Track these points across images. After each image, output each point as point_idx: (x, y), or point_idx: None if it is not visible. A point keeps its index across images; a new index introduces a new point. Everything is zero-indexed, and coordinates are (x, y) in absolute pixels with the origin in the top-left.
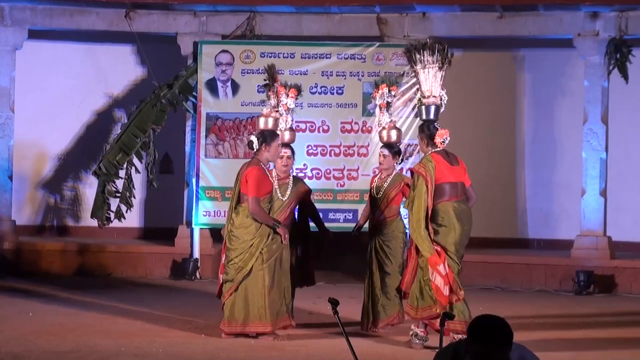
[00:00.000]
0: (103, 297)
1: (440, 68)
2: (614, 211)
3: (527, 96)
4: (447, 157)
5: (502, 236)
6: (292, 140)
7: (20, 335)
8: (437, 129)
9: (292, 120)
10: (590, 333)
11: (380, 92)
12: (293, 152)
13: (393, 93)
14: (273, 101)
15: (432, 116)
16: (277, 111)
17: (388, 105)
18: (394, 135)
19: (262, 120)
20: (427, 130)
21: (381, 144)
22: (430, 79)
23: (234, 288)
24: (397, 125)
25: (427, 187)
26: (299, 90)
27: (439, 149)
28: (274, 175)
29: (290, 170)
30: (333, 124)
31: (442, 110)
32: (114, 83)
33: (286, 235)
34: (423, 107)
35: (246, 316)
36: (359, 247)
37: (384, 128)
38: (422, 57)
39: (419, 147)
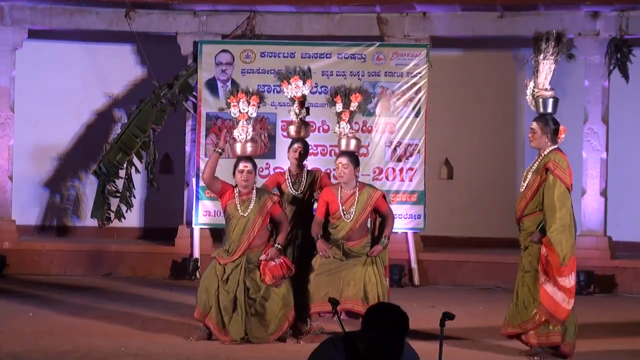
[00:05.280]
0: (103, 298)
1: (555, 61)
2: (614, 211)
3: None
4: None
5: (502, 236)
6: (255, 152)
7: (20, 335)
8: (558, 124)
9: (252, 131)
10: (590, 333)
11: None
12: (254, 165)
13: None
14: (234, 109)
15: (550, 109)
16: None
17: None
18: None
19: None
20: (552, 124)
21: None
22: (546, 71)
23: None
24: (397, 125)
25: (569, 190)
26: (261, 97)
27: (556, 145)
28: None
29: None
30: (333, 123)
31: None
32: (113, 83)
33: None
34: (540, 99)
35: None
36: None
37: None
38: (546, 47)
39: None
